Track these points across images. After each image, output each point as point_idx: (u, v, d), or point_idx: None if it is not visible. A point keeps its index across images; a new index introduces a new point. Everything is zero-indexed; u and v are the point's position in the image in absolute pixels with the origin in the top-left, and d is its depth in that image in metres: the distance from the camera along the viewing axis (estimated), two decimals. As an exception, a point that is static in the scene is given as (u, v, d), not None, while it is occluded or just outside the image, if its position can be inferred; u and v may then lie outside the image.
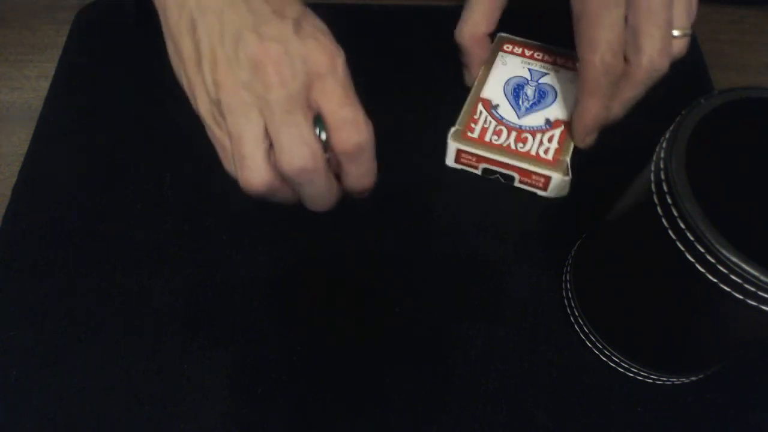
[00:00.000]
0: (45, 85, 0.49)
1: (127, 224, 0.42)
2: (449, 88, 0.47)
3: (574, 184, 0.42)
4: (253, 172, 0.32)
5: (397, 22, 0.52)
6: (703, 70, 0.50)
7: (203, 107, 0.33)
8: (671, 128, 0.29)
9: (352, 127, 0.32)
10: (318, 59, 0.31)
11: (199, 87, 0.33)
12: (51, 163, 0.45)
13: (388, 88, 0.48)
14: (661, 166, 0.28)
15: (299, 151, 0.31)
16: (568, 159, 0.41)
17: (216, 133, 0.34)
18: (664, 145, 0.28)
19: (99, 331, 0.38)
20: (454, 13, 0.53)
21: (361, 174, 0.35)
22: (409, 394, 0.37)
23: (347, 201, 0.37)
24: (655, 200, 0.28)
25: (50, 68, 0.49)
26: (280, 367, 0.37)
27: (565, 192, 0.43)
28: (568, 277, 0.39)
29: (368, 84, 0.40)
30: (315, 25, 0.33)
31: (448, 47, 0.50)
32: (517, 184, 0.43)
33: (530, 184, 0.43)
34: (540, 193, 0.43)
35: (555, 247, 0.41)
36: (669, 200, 0.27)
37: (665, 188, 0.27)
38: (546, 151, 0.42)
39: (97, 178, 0.44)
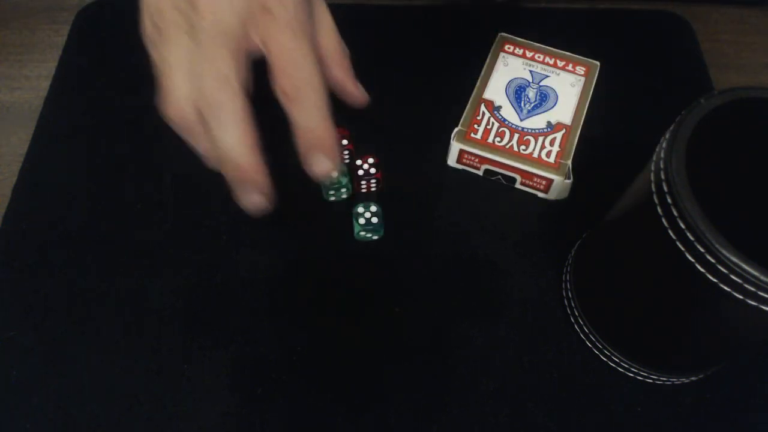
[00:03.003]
0: (45, 85, 0.49)
1: (127, 224, 0.42)
2: (449, 88, 0.47)
3: (575, 184, 0.42)
4: (172, 98, 0.30)
5: (398, 21, 0.52)
6: (703, 70, 0.50)
7: (146, 27, 0.31)
8: (671, 128, 0.29)
9: (290, 64, 0.30)
10: None
11: (145, 8, 0.32)
12: (51, 163, 0.45)
13: (388, 87, 0.48)
14: (661, 166, 0.28)
15: (210, 83, 0.29)
16: (569, 162, 0.41)
17: (153, 55, 0.32)
18: (664, 145, 0.28)
19: (99, 331, 0.38)
20: (453, 14, 0.53)
21: (307, 126, 0.31)
22: (409, 394, 0.37)
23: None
24: (655, 200, 0.28)
25: (50, 68, 0.49)
26: (280, 367, 0.37)
27: (565, 194, 0.43)
28: (568, 277, 0.39)
29: (369, 84, 0.40)
30: None
31: (448, 47, 0.50)
32: (518, 185, 0.43)
33: (531, 186, 0.43)
34: (541, 195, 0.43)
35: (555, 247, 0.41)
36: (669, 200, 0.27)
37: (665, 188, 0.27)
38: (548, 154, 0.42)
39: (97, 178, 0.44)
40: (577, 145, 0.43)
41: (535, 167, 0.41)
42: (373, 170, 0.42)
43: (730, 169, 0.32)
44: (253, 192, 0.32)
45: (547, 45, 0.48)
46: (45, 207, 0.43)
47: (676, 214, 0.27)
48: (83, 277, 0.40)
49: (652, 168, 0.29)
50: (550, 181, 0.42)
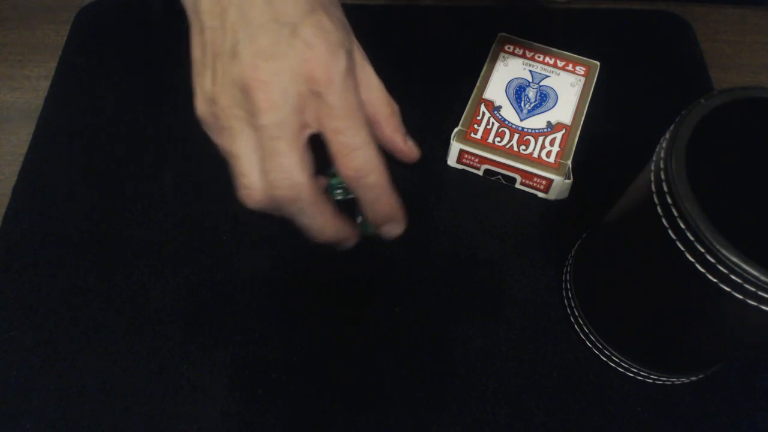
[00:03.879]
0: (45, 85, 0.49)
1: (127, 224, 0.42)
2: (449, 88, 0.47)
3: (575, 184, 0.42)
4: (248, 191, 0.32)
5: (397, 21, 0.52)
6: (703, 70, 0.50)
7: (203, 112, 0.33)
8: (671, 128, 0.29)
9: (351, 149, 0.31)
10: (310, 73, 0.30)
11: (199, 90, 0.33)
12: (51, 163, 0.45)
13: (389, 87, 0.48)
14: (661, 166, 0.28)
15: (281, 182, 0.31)
16: (569, 162, 0.42)
17: (213, 138, 0.33)
18: (664, 145, 0.28)
19: (99, 331, 0.38)
20: (453, 13, 0.53)
21: (374, 201, 0.34)
22: (409, 394, 0.37)
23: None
24: (655, 200, 0.28)
25: (50, 68, 0.50)
26: (280, 367, 0.37)
27: (565, 194, 0.43)
28: (568, 277, 0.39)
29: (379, 73, 0.40)
30: (317, 27, 0.31)
31: (449, 47, 0.50)
32: (518, 185, 0.43)
33: (532, 186, 0.43)
34: (541, 195, 0.43)
35: (555, 247, 0.41)
36: (669, 200, 0.27)
37: (665, 188, 0.27)
38: (548, 154, 0.42)
39: (97, 178, 0.44)
40: (577, 145, 0.43)
41: (535, 167, 0.41)
42: None
43: (730, 169, 0.32)
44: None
45: (547, 45, 0.48)
46: (45, 207, 0.43)
47: (676, 214, 0.27)
48: (83, 277, 0.40)
49: (652, 168, 0.29)
50: (550, 181, 0.42)
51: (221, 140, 0.32)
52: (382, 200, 0.34)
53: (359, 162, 0.32)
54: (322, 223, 0.33)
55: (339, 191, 0.42)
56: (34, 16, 0.54)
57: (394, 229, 0.37)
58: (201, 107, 0.33)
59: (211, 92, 0.32)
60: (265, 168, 0.31)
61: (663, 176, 0.27)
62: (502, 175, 0.43)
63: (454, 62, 0.49)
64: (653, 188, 0.28)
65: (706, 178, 0.27)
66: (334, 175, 0.41)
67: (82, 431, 0.36)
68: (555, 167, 0.41)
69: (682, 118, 0.28)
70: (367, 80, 0.36)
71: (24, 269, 0.40)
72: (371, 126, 0.36)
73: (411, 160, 0.38)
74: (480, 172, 0.44)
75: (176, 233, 0.42)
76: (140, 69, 0.49)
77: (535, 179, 0.42)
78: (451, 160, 0.44)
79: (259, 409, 0.36)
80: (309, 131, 0.31)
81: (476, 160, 0.43)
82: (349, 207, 0.42)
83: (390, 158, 0.44)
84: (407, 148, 0.38)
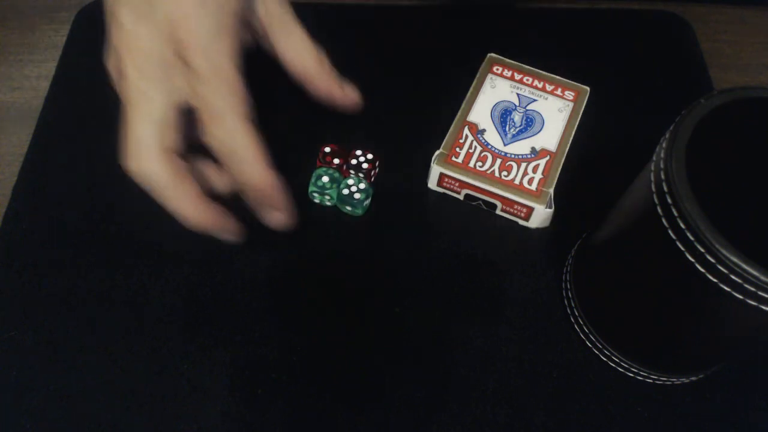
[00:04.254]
0: (45, 85, 0.49)
1: (127, 224, 0.42)
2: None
3: (575, 184, 0.42)
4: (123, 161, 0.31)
5: (386, 33, 0.52)
6: (703, 70, 0.50)
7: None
8: (671, 128, 0.29)
9: (214, 115, 0.29)
10: (176, 34, 0.28)
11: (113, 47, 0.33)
12: (51, 163, 0.45)
13: (387, 89, 0.48)
14: (661, 166, 0.28)
15: (132, 159, 0.30)
16: (551, 191, 0.41)
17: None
18: (664, 145, 0.28)
19: (99, 331, 0.38)
20: (452, 13, 0.52)
21: (247, 181, 0.31)
22: (409, 394, 0.37)
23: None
24: (655, 200, 0.28)
25: (50, 68, 0.49)
26: (280, 367, 0.37)
27: (547, 223, 0.42)
28: (568, 277, 0.39)
29: (364, 85, 0.40)
30: None
31: (449, 47, 0.50)
32: (498, 212, 0.42)
33: (512, 213, 0.42)
34: (521, 222, 0.42)
35: (555, 247, 0.41)
36: (669, 200, 0.27)
37: (665, 188, 0.27)
38: (530, 181, 0.41)
39: (97, 178, 0.44)
40: (576, 145, 0.42)
41: (515, 194, 0.40)
42: (366, 165, 0.42)
43: (730, 169, 0.32)
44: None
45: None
46: (45, 207, 0.43)
47: (676, 214, 0.27)
48: (83, 277, 0.40)
49: (652, 168, 0.29)
50: (530, 209, 0.41)
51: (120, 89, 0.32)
52: (255, 181, 0.31)
53: (223, 131, 0.29)
54: (182, 207, 0.31)
55: (315, 194, 0.42)
56: (34, 16, 0.54)
57: (276, 217, 0.33)
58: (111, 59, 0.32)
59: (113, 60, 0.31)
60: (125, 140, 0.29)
61: (663, 176, 0.27)
62: (483, 200, 0.42)
63: (453, 61, 0.49)
64: (653, 188, 0.28)
65: (706, 178, 0.27)
66: (319, 177, 0.41)
67: (82, 431, 0.36)
68: (536, 195, 0.40)
69: (682, 118, 0.28)
70: (288, 33, 0.33)
71: (24, 269, 0.40)
72: (303, 83, 0.33)
73: (353, 107, 0.36)
74: (460, 197, 0.43)
75: (176, 233, 0.42)
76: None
77: (515, 206, 0.41)
78: (432, 184, 0.43)
79: (259, 409, 0.36)
80: (179, 99, 0.29)
81: (456, 184, 0.42)
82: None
83: (387, 157, 0.44)
84: (346, 95, 0.36)
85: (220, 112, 0.29)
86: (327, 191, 0.41)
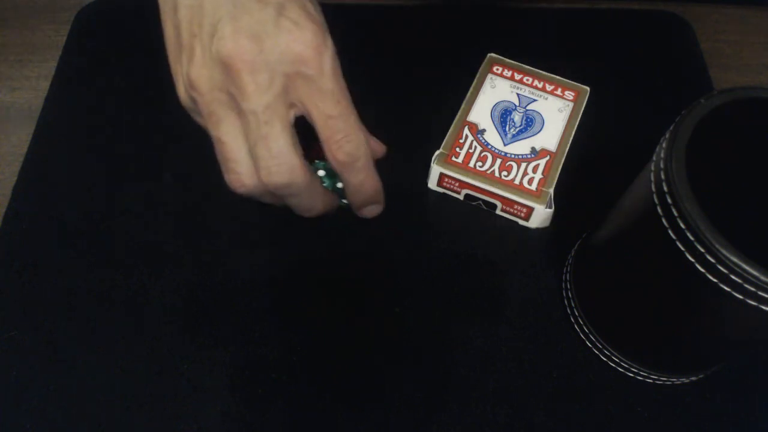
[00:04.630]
0: (45, 85, 0.49)
1: (127, 224, 0.42)
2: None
3: (575, 184, 0.42)
4: (238, 176, 0.31)
5: (386, 33, 0.52)
6: (703, 70, 0.50)
7: (183, 99, 0.32)
8: (671, 128, 0.29)
9: (342, 135, 0.31)
10: (300, 55, 0.28)
11: (178, 77, 0.31)
12: (51, 163, 0.45)
13: (387, 89, 0.48)
14: (661, 166, 0.28)
15: (276, 167, 0.30)
16: (551, 191, 0.41)
17: (200, 123, 0.32)
18: (664, 145, 0.28)
19: (99, 331, 0.38)
20: (450, 13, 0.52)
21: (359, 184, 0.34)
22: (409, 394, 0.37)
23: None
24: (655, 200, 0.28)
25: (50, 68, 0.50)
26: (280, 367, 0.37)
27: (547, 223, 0.42)
28: (568, 277, 0.39)
29: (364, 85, 0.40)
30: (302, 8, 0.29)
31: (449, 47, 0.50)
32: (498, 212, 0.42)
33: (512, 213, 0.42)
34: (521, 222, 0.42)
35: (555, 247, 0.41)
36: (669, 200, 0.27)
37: (665, 188, 0.27)
38: (530, 181, 0.41)
39: (97, 178, 0.44)
40: (576, 145, 0.42)
41: (515, 194, 0.40)
42: None
43: (730, 169, 0.32)
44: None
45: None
46: (45, 207, 0.43)
47: (676, 214, 0.27)
48: (83, 277, 0.40)
49: (652, 168, 0.29)
50: (530, 209, 0.41)
51: (206, 125, 0.31)
52: (368, 184, 0.34)
53: (350, 148, 0.31)
54: (315, 201, 0.33)
55: (346, 201, 0.42)
56: (34, 16, 0.54)
57: (376, 209, 0.37)
58: (181, 91, 0.31)
59: (188, 75, 0.30)
60: (257, 154, 0.30)
61: (663, 176, 0.27)
62: (483, 200, 0.42)
63: (453, 62, 0.49)
64: (653, 188, 0.28)
65: (706, 178, 0.27)
66: (315, 170, 0.41)
67: (82, 431, 0.36)
68: (536, 195, 0.40)
69: (682, 118, 0.28)
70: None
71: (24, 269, 0.40)
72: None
73: (378, 156, 0.38)
74: (460, 197, 0.43)
75: (176, 233, 0.42)
76: (140, 69, 0.49)
77: (515, 206, 0.41)
78: (432, 184, 0.43)
79: (259, 409, 0.36)
80: (295, 112, 0.30)
81: (456, 184, 0.42)
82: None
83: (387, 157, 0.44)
84: (375, 145, 0.37)
85: (349, 130, 0.31)
86: (324, 185, 0.41)
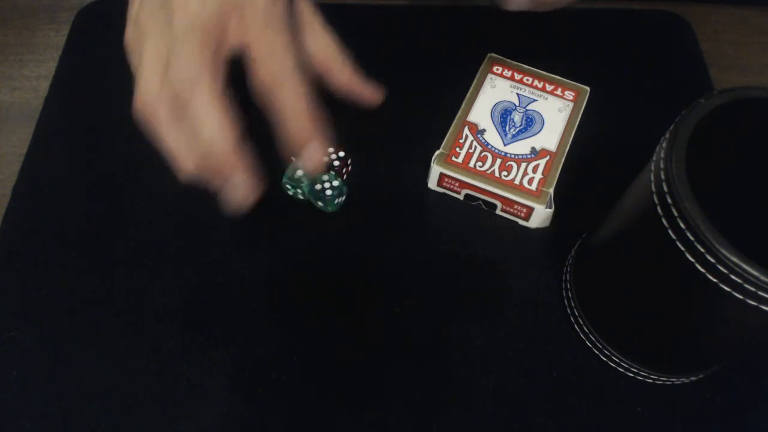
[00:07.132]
0: (45, 85, 0.49)
1: (127, 224, 0.42)
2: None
3: (575, 184, 0.42)
4: (143, 95, 0.30)
5: (397, 21, 0.52)
6: (703, 70, 0.50)
7: (128, 38, 0.32)
8: (671, 128, 0.29)
9: (268, 55, 0.30)
10: None
11: (129, 19, 0.32)
12: (51, 163, 0.45)
13: (387, 89, 0.48)
14: (661, 166, 0.28)
15: (185, 64, 0.29)
16: (551, 191, 0.41)
17: (132, 61, 0.32)
18: (664, 145, 0.28)
19: (99, 331, 0.38)
20: (450, 13, 0.52)
21: (290, 117, 0.31)
22: (409, 394, 0.37)
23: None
24: (655, 200, 0.28)
25: (50, 68, 0.50)
26: (280, 367, 0.37)
27: (547, 223, 0.42)
28: (568, 277, 0.39)
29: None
30: None
31: (449, 47, 0.50)
32: (498, 212, 0.42)
33: (512, 213, 0.42)
34: (521, 222, 0.42)
35: (555, 247, 0.41)
36: (669, 200, 0.27)
37: (665, 188, 0.27)
38: (530, 181, 0.41)
39: (97, 178, 0.44)
40: (576, 145, 0.42)
41: (515, 194, 0.40)
42: (337, 162, 0.42)
43: (730, 169, 0.32)
44: (236, 180, 0.31)
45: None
46: (45, 207, 0.43)
47: (676, 214, 0.27)
48: (83, 277, 0.40)
49: (652, 168, 0.29)
50: (530, 209, 0.41)
51: (136, 53, 0.31)
52: (298, 117, 0.31)
53: (272, 68, 0.30)
54: (212, 124, 0.30)
55: (288, 185, 0.42)
56: (34, 16, 0.54)
57: (313, 154, 0.32)
58: (127, 33, 0.32)
59: (136, 14, 0.31)
60: (170, 62, 0.30)
61: (663, 176, 0.27)
62: (483, 200, 0.42)
63: (453, 62, 0.49)
64: (653, 188, 0.28)
65: (706, 178, 0.27)
66: (294, 170, 0.41)
67: (82, 431, 0.36)
68: (536, 195, 0.40)
69: (682, 118, 0.28)
70: (312, 25, 0.35)
71: (24, 269, 0.40)
72: (324, 76, 0.35)
73: (374, 103, 0.37)
74: (461, 197, 0.43)
75: (176, 233, 0.42)
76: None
77: (515, 206, 0.41)
78: (432, 184, 0.43)
79: (259, 409, 0.36)
80: (227, 47, 0.30)
81: (456, 184, 0.42)
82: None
83: (386, 157, 0.44)
84: (366, 90, 0.37)
85: (274, 51, 0.30)
86: (301, 185, 0.41)
